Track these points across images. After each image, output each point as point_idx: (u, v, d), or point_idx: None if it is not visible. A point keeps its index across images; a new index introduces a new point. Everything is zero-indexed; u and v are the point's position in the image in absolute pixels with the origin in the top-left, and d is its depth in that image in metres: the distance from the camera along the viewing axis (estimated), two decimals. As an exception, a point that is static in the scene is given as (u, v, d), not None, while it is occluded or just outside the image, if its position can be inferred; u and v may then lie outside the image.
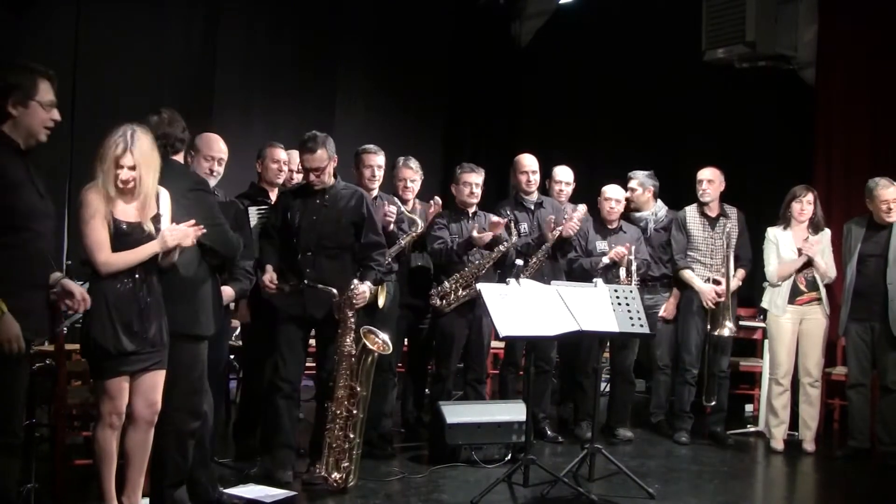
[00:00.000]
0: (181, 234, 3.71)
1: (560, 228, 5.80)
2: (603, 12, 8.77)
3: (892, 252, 5.62)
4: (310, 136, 4.75)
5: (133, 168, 3.63)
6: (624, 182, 6.35)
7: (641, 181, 6.39)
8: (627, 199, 6.31)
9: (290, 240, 4.77)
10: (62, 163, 6.78)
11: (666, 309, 6.23)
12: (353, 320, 4.63)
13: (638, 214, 6.40)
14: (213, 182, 4.48)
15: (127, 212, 3.66)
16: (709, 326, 6.00)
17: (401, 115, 8.73)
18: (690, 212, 6.15)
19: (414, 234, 5.49)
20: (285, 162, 5.39)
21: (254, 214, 5.06)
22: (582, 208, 5.94)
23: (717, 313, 5.96)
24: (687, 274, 6.07)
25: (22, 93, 3.35)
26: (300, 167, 5.03)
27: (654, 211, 6.40)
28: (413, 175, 5.75)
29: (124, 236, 3.62)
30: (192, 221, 3.75)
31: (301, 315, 4.74)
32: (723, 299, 5.92)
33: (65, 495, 4.20)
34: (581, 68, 8.97)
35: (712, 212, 6.11)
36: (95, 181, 3.61)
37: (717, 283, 6.00)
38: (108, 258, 3.57)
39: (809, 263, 5.87)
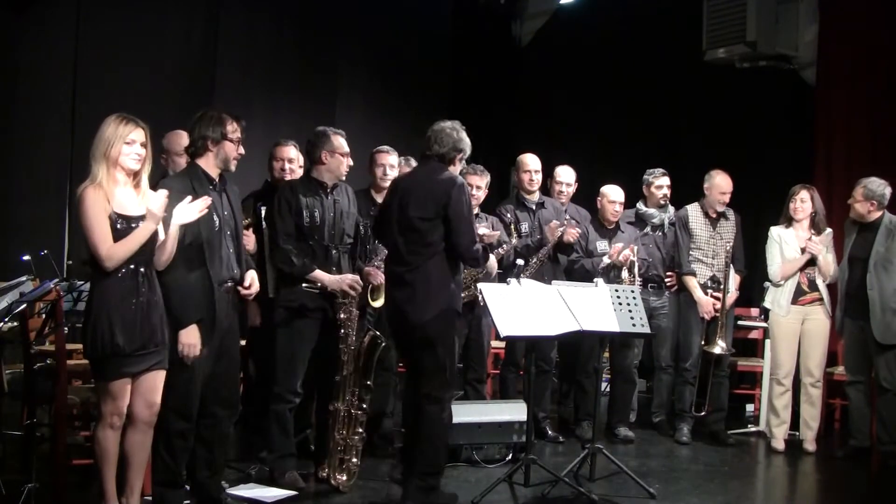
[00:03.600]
0: (160, 200, 3.66)
1: (562, 229, 5.79)
2: (603, 12, 8.77)
3: (872, 257, 5.63)
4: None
5: (144, 145, 3.68)
6: (626, 182, 6.33)
7: (668, 181, 6.37)
8: (664, 196, 6.32)
9: (305, 238, 4.66)
10: (62, 163, 6.79)
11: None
12: (357, 316, 4.69)
13: (653, 211, 6.37)
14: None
15: (125, 204, 3.66)
16: (703, 341, 5.99)
17: (401, 115, 8.73)
18: (693, 211, 6.14)
19: None
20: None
21: None
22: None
23: (712, 328, 5.95)
24: (690, 281, 6.05)
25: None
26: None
27: (667, 209, 6.40)
28: None
29: (127, 229, 3.62)
30: (190, 198, 3.78)
31: (327, 319, 4.69)
32: (718, 315, 5.92)
33: (65, 495, 4.18)
34: (581, 68, 8.96)
35: (714, 212, 6.09)
36: (92, 178, 3.60)
37: (716, 281, 5.98)
38: (111, 249, 3.57)
39: (812, 262, 5.87)
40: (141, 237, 3.64)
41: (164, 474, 3.98)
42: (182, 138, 4.47)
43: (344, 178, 4.87)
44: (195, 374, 3.95)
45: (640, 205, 6.45)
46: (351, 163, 4.86)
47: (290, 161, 5.19)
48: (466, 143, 4.48)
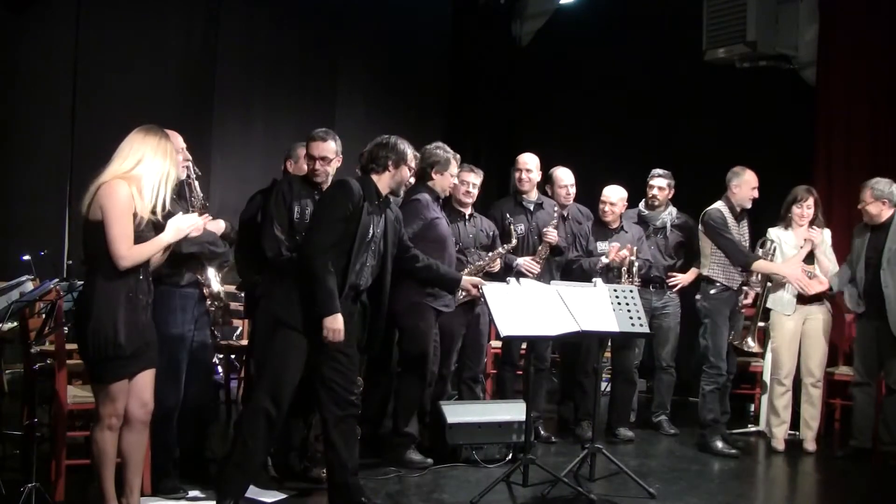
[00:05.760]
0: (192, 221, 3.80)
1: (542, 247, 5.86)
2: (603, 12, 8.77)
3: (885, 255, 5.62)
4: (322, 129, 4.75)
5: None
6: (626, 182, 6.33)
7: (669, 181, 6.32)
8: (653, 197, 6.32)
9: (294, 232, 4.59)
10: (62, 163, 6.80)
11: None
12: None
13: (652, 213, 6.37)
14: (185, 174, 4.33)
15: (138, 205, 3.66)
16: (732, 334, 5.86)
17: (401, 115, 8.73)
18: (725, 211, 5.85)
19: None
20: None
21: None
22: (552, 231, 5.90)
23: (742, 324, 5.91)
24: (762, 263, 5.78)
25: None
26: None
27: (670, 211, 6.38)
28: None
29: (142, 232, 3.63)
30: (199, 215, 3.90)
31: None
32: (755, 310, 5.90)
33: (65, 495, 4.19)
34: (581, 68, 8.97)
35: (739, 210, 5.91)
36: (125, 175, 3.57)
37: (745, 283, 5.95)
38: (132, 250, 3.57)
39: (811, 261, 5.86)
40: (158, 247, 3.69)
41: (241, 456, 4.05)
42: (174, 137, 4.39)
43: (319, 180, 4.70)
44: (290, 360, 4.05)
45: (641, 205, 6.44)
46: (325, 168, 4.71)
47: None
48: (438, 157, 5.26)
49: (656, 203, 6.35)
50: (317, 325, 4.02)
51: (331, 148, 4.63)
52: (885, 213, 5.68)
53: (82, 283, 3.97)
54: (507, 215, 5.85)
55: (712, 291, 5.82)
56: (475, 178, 5.65)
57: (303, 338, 4.07)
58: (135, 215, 3.58)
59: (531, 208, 6.02)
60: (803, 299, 5.87)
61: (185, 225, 3.77)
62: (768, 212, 6.29)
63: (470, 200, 5.68)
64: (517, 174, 6.08)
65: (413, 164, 4.46)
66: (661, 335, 6.26)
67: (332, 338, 4.02)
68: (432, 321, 5.22)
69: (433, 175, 5.28)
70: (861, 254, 5.74)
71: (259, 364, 4.53)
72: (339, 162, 4.73)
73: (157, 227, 3.70)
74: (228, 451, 4.19)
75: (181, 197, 4.23)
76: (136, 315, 3.62)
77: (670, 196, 6.40)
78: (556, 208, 6.00)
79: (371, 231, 4.19)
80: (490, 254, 5.59)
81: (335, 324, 4.01)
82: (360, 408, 4.31)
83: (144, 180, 3.61)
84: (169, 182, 3.69)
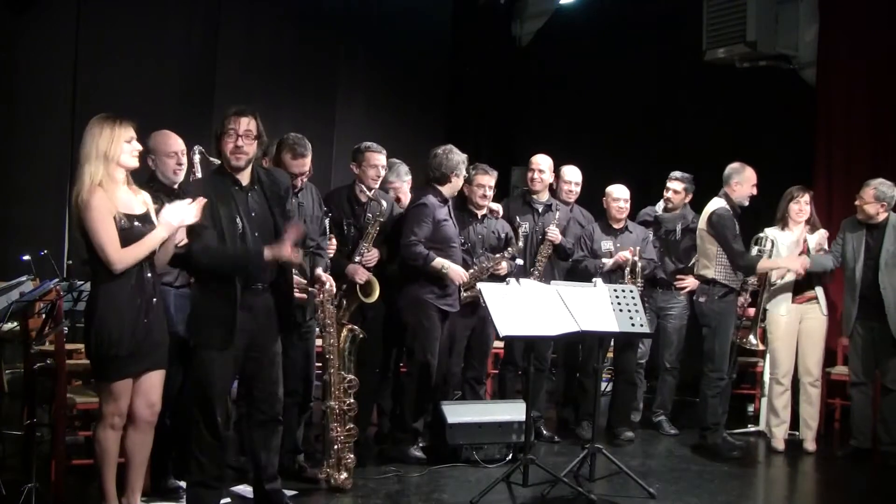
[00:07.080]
0: (183, 211, 3.69)
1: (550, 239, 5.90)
2: (603, 12, 8.77)
3: (882, 256, 5.62)
4: (298, 140, 4.74)
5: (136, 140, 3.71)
6: (625, 182, 6.32)
7: (686, 185, 6.29)
8: (668, 200, 6.31)
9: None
10: (62, 163, 6.79)
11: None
12: (334, 314, 4.70)
13: (668, 216, 6.34)
14: (181, 177, 4.31)
15: (128, 203, 3.66)
16: (737, 333, 5.87)
17: (402, 115, 8.73)
18: (729, 210, 5.78)
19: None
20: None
21: None
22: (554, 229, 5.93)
23: (745, 323, 5.94)
24: (766, 262, 5.73)
25: None
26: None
27: (684, 214, 6.34)
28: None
29: (131, 229, 3.62)
30: (190, 201, 3.74)
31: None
32: (755, 309, 5.94)
33: (65, 495, 4.19)
34: (581, 68, 8.96)
35: (740, 209, 5.85)
36: (90, 180, 3.57)
37: (745, 281, 5.94)
38: (121, 253, 3.56)
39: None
40: (152, 244, 3.65)
41: (199, 475, 3.97)
42: (169, 138, 4.36)
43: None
44: (213, 377, 3.90)
45: (658, 206, 6.43)
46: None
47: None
48: (455, 161, 5.33)
49: (670, 206, 6.33)
50: (221, 332, 3.84)
51: (308, 161, 4.73)
52: (882, 214, 5.68)
53: (82, 283, 3.96)
54: (517, 219, 5.86)
55: (719, 295, 5.72)
56: (490, 180, 5.63)
57: (209, 352, 3.88)
58: (118, 215, 3.58)
59: (539, 209, 6.03)
60: (800, 299, 5.87)
61: (174, 219, 3.67)
62: (768, 211, 6.28)
63: (487, 203, 5.68)
64: (529, 174, 6.09)
65: (239, 127, 3.85)
66: (665, 336, 6.25)
67: (287, 255, 3.86)
68: (436, 318, 5.23)
69: (449, 179, 5.31)
70: (859, 253, 5.74)
71: None
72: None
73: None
74: (188, 473, 4.06)
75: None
76: (137, 315, 3.62)
77: (687, 200, 6.33)
78: (558, 207, 6.00)
79: (239, 221, 3.87)
80: (496, 256, 5.59)
81: (272, 254, 3.84)
82: (280, 415, 4.20)
83: (107, 178, 3.60)
84: (105, 159, 3.59)
